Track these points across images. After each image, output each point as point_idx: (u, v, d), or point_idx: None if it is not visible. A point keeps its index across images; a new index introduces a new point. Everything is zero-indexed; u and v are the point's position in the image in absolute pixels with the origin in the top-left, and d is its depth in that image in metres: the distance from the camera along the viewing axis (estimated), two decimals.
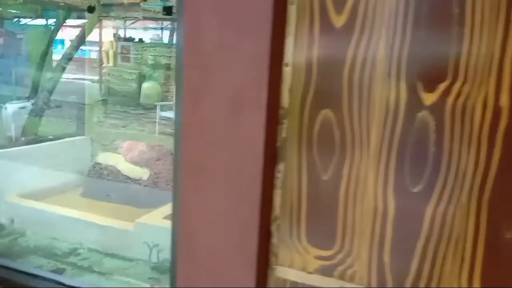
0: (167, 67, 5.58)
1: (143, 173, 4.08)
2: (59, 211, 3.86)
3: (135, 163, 4.13)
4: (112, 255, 3.34)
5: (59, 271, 3.11)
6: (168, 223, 3.40)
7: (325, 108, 0.81)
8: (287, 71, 0.82)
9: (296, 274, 0.87)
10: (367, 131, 0.79)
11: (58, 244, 3.49)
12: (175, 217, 0.93)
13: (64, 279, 2.77)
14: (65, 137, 4.97)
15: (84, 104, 5.70)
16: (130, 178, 4.09)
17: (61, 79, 5.71)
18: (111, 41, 5.80)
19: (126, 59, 5.59)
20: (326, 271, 0.85)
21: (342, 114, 0.80)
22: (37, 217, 3.86)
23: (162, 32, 10.86)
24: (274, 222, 0.87)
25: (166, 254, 3.24)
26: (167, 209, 3.64)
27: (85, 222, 3.64)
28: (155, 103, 5.92)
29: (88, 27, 4.67)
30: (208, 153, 0.86)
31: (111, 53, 5.59)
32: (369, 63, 0.77)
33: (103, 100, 5.65)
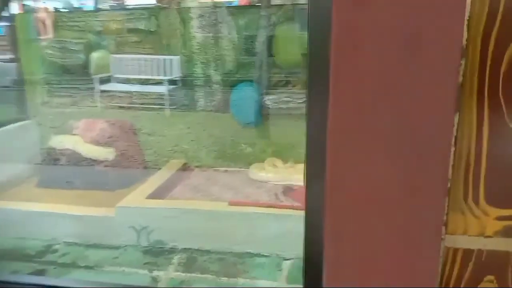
0: (117, 32, 5.06)
1: (107, 153, 3.73)
2: (18, 206, 3.44)
3: (97, 143, 3.75)
4: (95, 246, 3.06)
5: (40, 273, 2.78)
6: (153, 203, 3.13)
7: None
8: None
9: (471, 241, 0.75)
10: None
11: (28, 243, 3.13)
12: (314, 196, 0.76)
13: (48, 280, 2.48)
14: (5, 125, 4.38)
15: (15, 87, 5.04)
16: (93, 161, 3.72)
17: None
18: (47, 9, 5.10)
19: (67, 28, 4.97)
20: (510, 232, 0.74)
21: None
22: None
23: None
24: None
25: (156, 236, 3.02)
26: (146, 188, 3.37)
27: (53, 214, 3.28)
28: (95, 76, 5.40)
29: None
30: (368, 109, 0.69)
31: (48, 23, 4.94)
32: None
33: (44, 77, 5.02)
